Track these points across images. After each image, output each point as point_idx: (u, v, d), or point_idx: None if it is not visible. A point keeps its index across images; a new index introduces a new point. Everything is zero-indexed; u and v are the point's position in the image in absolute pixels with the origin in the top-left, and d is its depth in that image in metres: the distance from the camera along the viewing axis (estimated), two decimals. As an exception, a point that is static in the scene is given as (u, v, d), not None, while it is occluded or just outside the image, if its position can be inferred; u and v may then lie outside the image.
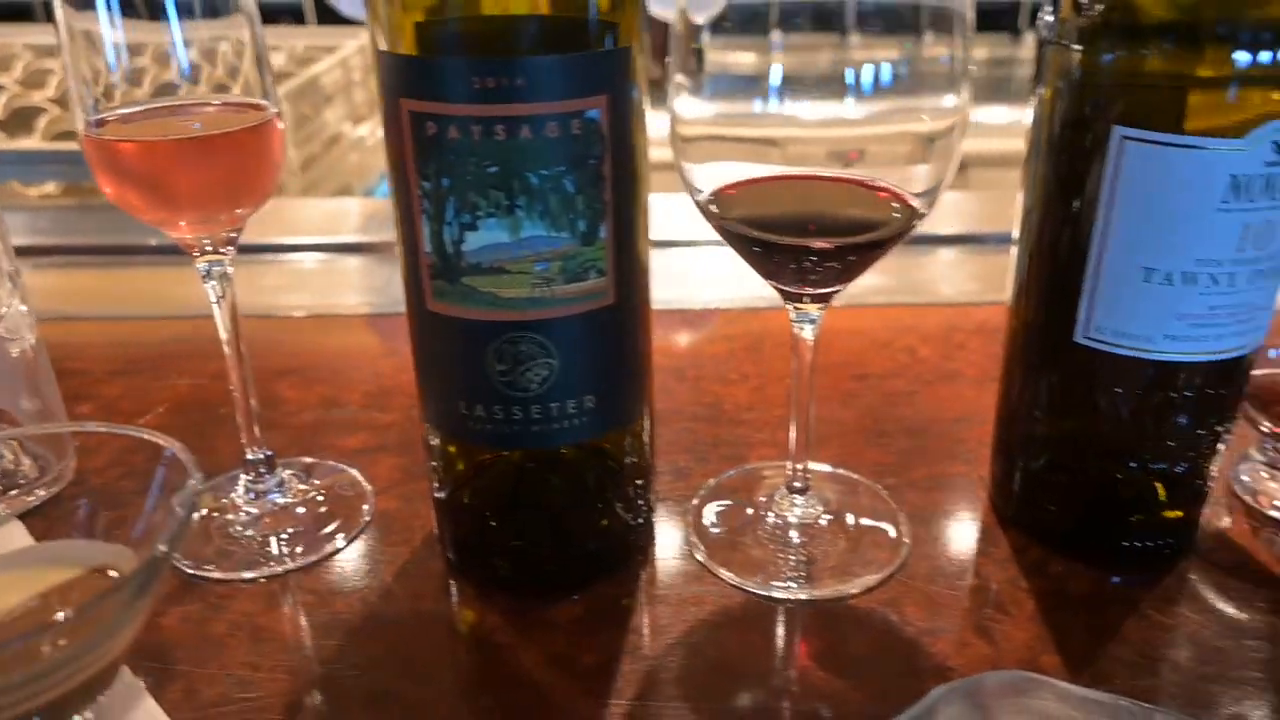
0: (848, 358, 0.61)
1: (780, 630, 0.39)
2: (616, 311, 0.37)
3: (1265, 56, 0.33)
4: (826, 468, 0.48)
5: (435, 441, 0.40)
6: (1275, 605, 0.40)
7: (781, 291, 0.39)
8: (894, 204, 0.37)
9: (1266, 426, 0.45)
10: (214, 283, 0.42)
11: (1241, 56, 0.33)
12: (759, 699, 0.36)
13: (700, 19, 0.36)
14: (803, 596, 0.40)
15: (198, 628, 0.39)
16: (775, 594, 0.40)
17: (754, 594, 0.41)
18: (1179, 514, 0.42)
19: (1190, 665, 0.37)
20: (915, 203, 0.36)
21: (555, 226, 0.34)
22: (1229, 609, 0.40)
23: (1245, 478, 0.47)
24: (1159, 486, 0.41)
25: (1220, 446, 0.42)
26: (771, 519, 0.44)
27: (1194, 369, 0.38)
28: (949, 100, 0.35)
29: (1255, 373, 0.44)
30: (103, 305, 0.72)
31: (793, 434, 0.43)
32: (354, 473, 0.48)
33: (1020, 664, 0.37)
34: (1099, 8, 0.35)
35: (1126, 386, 0.39)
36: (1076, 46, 0.36)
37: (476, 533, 0.41)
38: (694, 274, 0.74)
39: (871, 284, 0.72)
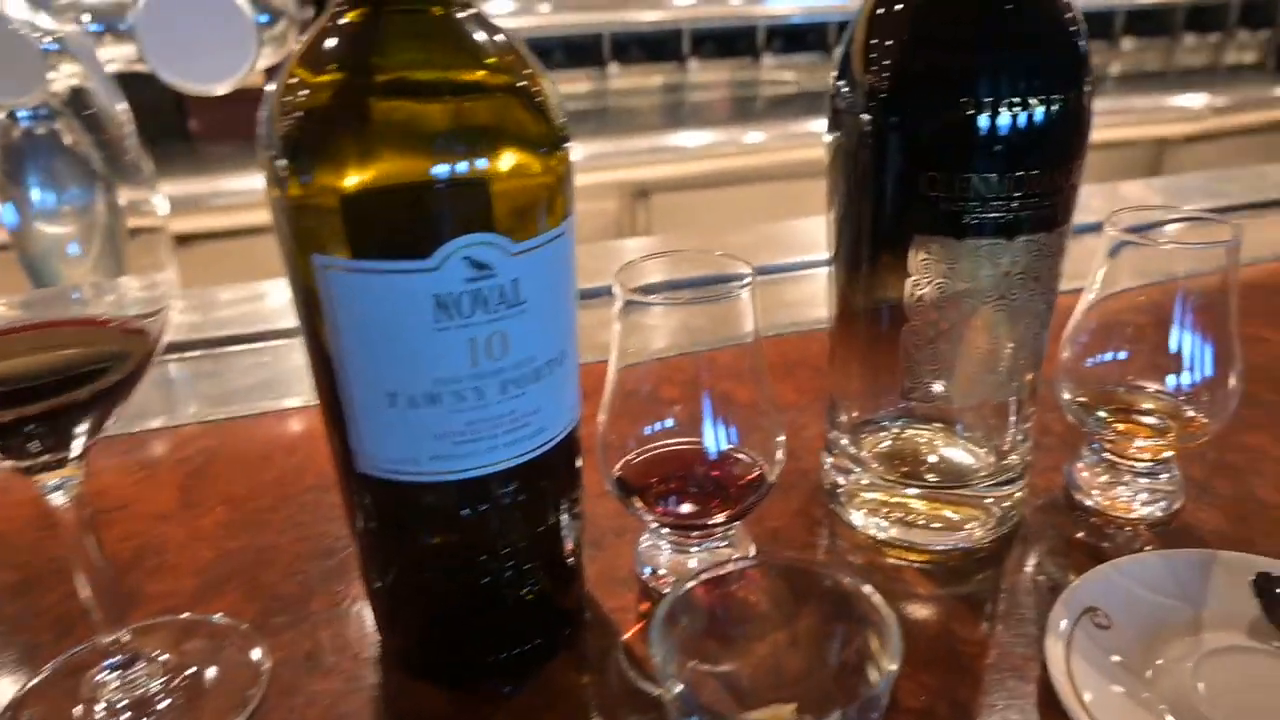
0: (310, 466, 0.57)
1: None
2: None
3: (443, 171, 0.32)
4: (197, 617, 0.44)
5: None
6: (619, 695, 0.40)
7: (19, 469, 0.34)
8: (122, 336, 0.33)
9: (640, 510, 0.44)
10: None
11: (415, 181, 0.32)
12: None
13: None
14: (96, 801, 0.35)
15: None
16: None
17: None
18: (537, 616, 0.41)
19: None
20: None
21: None
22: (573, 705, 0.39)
23: (643, 550, 0.47)
24: (503, 596, 0.40)
25: (568, 537, 0.41)
26: (93, 706, 0.39)
27: (483, 482, 0.36)
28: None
29: (629, 460, 0.44)
30: None
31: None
32: None
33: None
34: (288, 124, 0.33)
35: (428, 512, 0.37)
36: (282, 162, 0.33)
37: None
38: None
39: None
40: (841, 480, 0.50)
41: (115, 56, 0.86)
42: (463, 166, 0.32)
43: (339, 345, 0.34)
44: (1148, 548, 0.47)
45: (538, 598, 0.40)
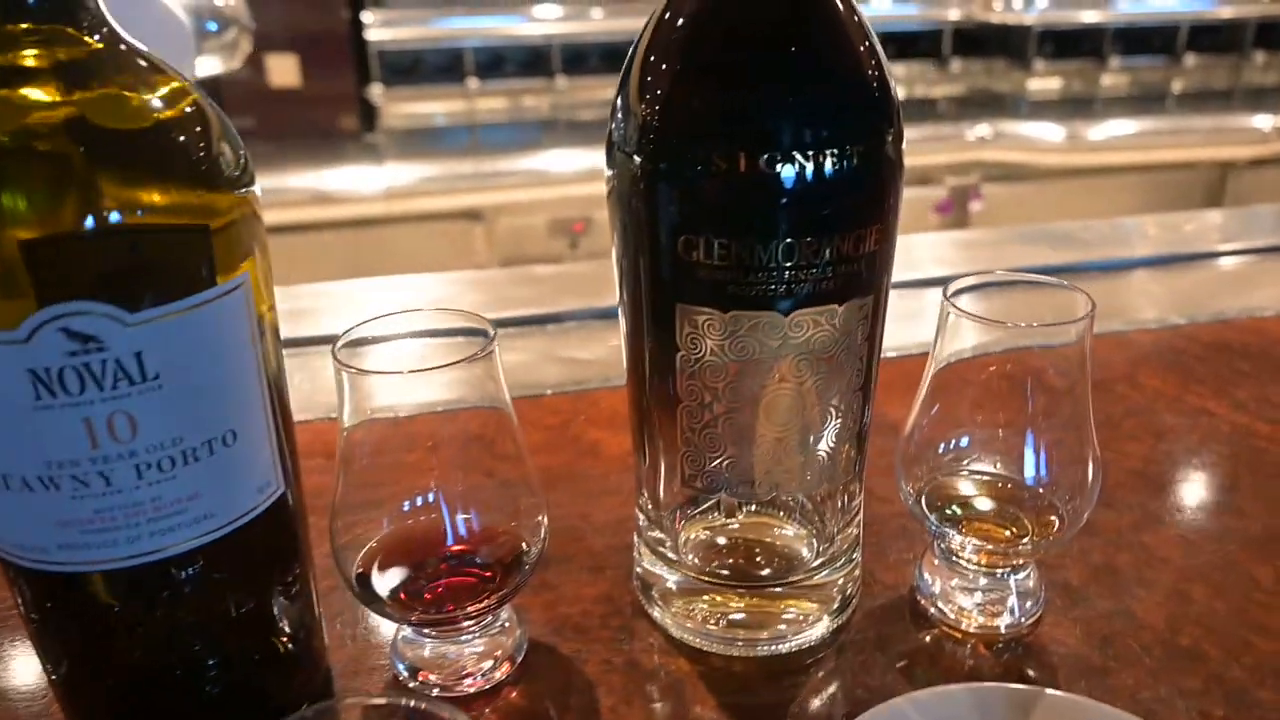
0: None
1: None
2: None
3: (26, 226, 0.27)
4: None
5: None
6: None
7: None
8: None
9: (388, 610, 0.39)
10: None
11: (-2, 232, 0.28)
12: None
13: None
14: None
15: None
16: None
17: None
18: (237, 716, 0.37)
19: None
20: None
21: None
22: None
23: (399, 643, 0.42)
24: (186, 695, 0.35)
25: (280, 624, 0.37)
26: None
27: (138, 573, 0.32)
28: None
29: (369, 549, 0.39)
30: None
31: None
32: None
33: None
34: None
35: (79, 603, 0.33)
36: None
37: None
38: None
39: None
40: (639, 567, 0.45)
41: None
42: (57, 219, 0.28)
43: (-61, 419, 0.30)
44: (1002, 670, 0.41)
45: (231, 696, 0.36)
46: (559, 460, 0.56)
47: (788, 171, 0.33)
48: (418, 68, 2.23)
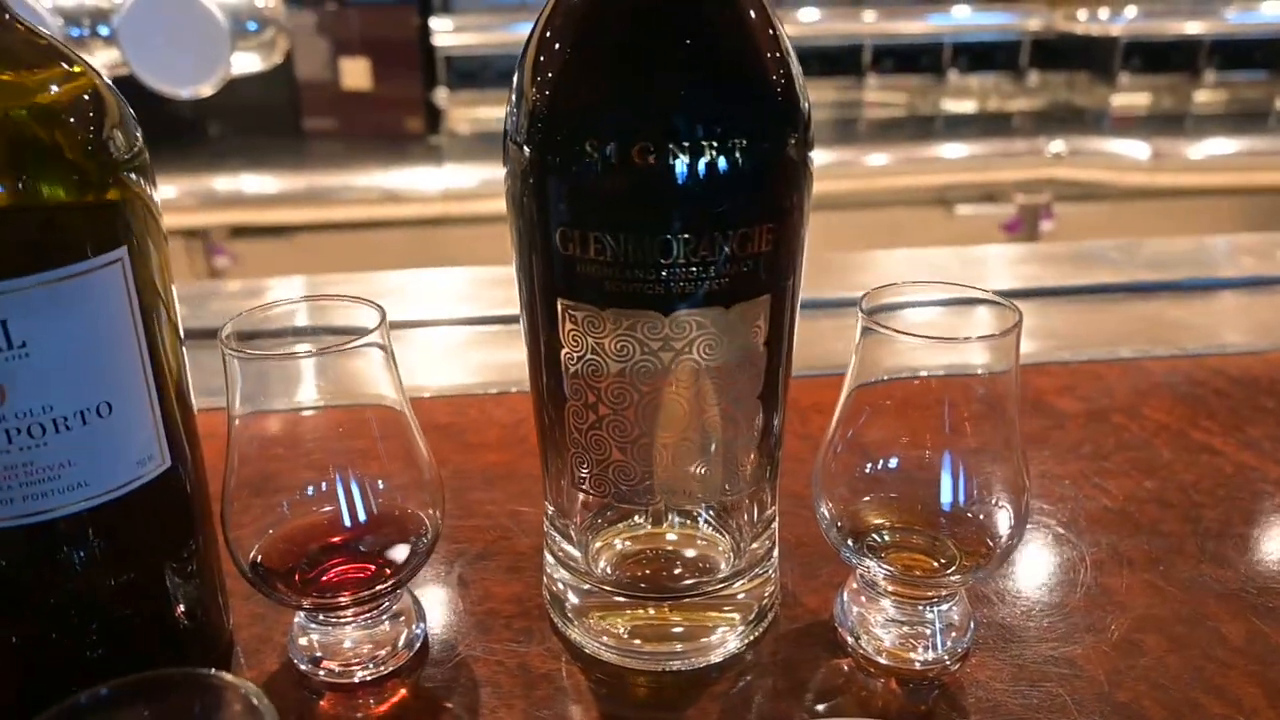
0: None
1: None
2: None
3: None
4: None
5: None
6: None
7: None
8: None
9: (282, 594, 0.39)
10: None
11: None
12: None
13: None
14: None
15: None
16: None
17: None
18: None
19: None
20: None
21: None
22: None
23: (296, 629, 0.41)
24: (68, 663, 0.36)
25: (173, 598, 0.36)
26: None
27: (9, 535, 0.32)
28: None
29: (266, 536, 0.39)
30: None
31: None
32: None
33: None
34: None
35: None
36: None
37: None
38: None
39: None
40: (545, 573, 0.43)
41: (105, 62, 0.89)
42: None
43: None
44: (913, 709, 0.38)
45: (115, 662, 0.36)
46: (504, 458, 0.55)
47: (661, 164, 0.31)
48: (484, 73, 2.26)
